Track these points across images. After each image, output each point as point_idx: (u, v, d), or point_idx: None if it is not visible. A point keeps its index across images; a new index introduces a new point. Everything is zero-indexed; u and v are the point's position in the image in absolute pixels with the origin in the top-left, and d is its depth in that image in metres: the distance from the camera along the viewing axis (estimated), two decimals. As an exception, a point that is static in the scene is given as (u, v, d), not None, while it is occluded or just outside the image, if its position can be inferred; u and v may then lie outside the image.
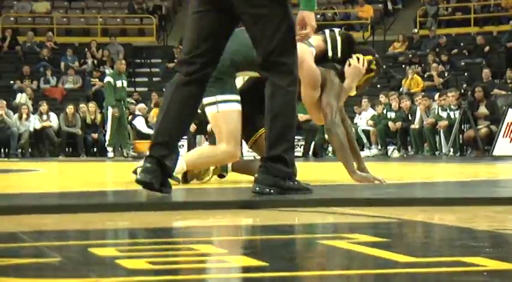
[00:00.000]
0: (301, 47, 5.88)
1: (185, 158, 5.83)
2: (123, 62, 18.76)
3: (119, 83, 17.49)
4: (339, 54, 6.14)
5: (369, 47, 7.18)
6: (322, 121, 6.12)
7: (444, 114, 17.34)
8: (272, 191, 4.44)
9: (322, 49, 6.07)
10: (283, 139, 4.51)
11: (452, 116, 16.96)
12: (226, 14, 4.55)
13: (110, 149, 18.15)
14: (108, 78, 17.79)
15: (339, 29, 6.42)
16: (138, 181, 4.40)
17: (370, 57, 6.28)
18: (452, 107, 17.12)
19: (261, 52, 4.54)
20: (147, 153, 4.49)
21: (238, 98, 5.73)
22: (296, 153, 17.20)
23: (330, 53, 6.11)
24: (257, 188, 4.46)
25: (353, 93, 6.40)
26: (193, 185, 5.99)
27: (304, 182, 4.70)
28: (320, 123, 6.31)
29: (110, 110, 17.54)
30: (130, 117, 19.98)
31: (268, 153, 4.50)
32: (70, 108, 20.01)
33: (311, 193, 4.55)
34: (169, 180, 4.59)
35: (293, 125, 4.57)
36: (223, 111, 5.68)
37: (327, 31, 6.20)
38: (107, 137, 18.13)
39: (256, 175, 4.53)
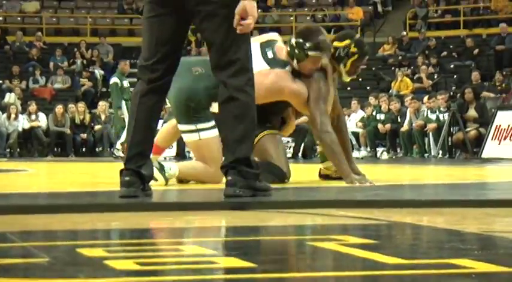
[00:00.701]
0: (276, 74, 5.97)
1: (180, 166, 6.03)
2: (127, 62, 18.67)
3: (125, 83, 17.41)
4: (306, 45, 6.09)
5: (348, 30, 7.18)
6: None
7: (433, 117, 17.37)
8: (242, 192, 4.41)
9: (290, 59, 6.16)
10: (248, 140, 4.50)
11: (441, 118, 16.99)
12: (179, 16, 4.50)
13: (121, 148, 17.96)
14: (115, 80, 17.66)
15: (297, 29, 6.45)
16: (122, 196, 4.40)
17: (347, 42, 6.31)
18: (441, 109, 17.15)
19: (215, 52, 4.49)
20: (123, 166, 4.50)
21: (214, 123, 5.87)
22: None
23: (297, 52, 6.09)
24: (237, 191, 4.43)
25: (347, 79, 6.51)
26: (184, 186, 5.99)
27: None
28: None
29: (124, 108, 17.33)
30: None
31: (235, 156, 4.46)
32: (59, 108, 19.98)
33: (272, 193, 4.56)
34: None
35: (255, 125, 4.56)
36: (205, 139, 5.92)
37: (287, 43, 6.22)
38: (123, 138, 17.79)
39: (228, 178, 4.49)
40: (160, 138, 6.27)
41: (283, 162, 6.25)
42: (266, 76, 5.97)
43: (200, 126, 5.90)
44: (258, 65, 5.88)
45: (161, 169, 5.83)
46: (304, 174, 8.47)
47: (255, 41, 6.09)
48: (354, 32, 6.81)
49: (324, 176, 6.61)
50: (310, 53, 6.03)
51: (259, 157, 5.98)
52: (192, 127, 5.92)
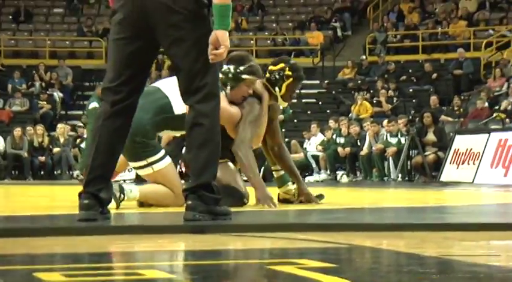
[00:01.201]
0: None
1: (141, 188, 6.01)
2: None
3: None
4: (230, 88, 6.16)
5: (283, 56, 7.24)
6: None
7: (393, 140, 17.47)
8: (202, 217, 4.37)
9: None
10: (211, 166, 4.49)
11: (401, 142, 17.10)
12: (147, 39, 4.47)
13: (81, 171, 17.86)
14: (94, 104, 17.44)
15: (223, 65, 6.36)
16: (81, 220, 4.34)
17: (281, 65, 6.37)
18: (403, 132, 17.26)
19: (184, 78, 4.48)
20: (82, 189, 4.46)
21: (164, 151, 5.95)
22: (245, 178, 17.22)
23: (230, 76, 6.14)
24: (190, 215, 4.40)
25: (284, 104, 6.52)
26: (143, 209, 5.96)
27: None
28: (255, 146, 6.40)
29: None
30: (78, 140, 19.87)
31: (197, 181, 4.44)
32: (17, 131, 19.83)
33: (231, 216, 4.53)
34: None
35: (219, 151, 4.54)
36: (159, 170, 5.93)
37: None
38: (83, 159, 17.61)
39: (188, 202, 4.46)
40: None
41: (241, 183, 6.26)
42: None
43: (150, 159, 5.90)
44: None
45: (121, 191, 5.79)
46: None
47: None
48: (289, 57, 6.82)
49: (283, 200, 6.57)
50: (244, 76, 6.09)
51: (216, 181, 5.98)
52: (143, 163, 5.92)
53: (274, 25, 27.92)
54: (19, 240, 3.83)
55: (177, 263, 3.27)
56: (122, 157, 6.19)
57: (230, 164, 6.27)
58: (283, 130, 15.65)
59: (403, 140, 17.09)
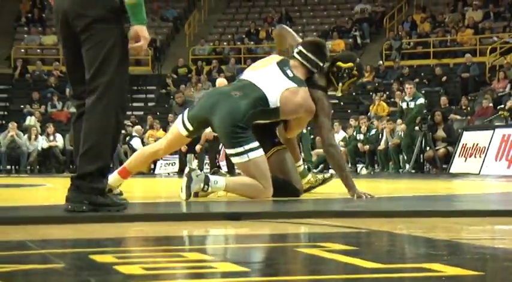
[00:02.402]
0: (305, 91, 5.84)
1: (228, 180, 5.69)
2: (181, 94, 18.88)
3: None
4: (320, 64, 6.03)
5: (351, 53, 6.90)
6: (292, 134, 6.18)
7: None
8: (85, 207, 4.19)
9: (305, 72, 5.98)
10: (97, 157, 4.27)
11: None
12: (75, 43, 4.31)
13: None
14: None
15: (303, 44, 6.16)
16: (67, 210, 4.19)
17: (350, 64, 6.14)
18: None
19: (87, 75, 4.31)
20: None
21: (258, 143, 5.69)
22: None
23: (314, 70, 6.01)
24: (69, 206, 4.24)
25: (339, 94, 6.31)
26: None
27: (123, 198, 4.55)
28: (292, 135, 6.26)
29: None
30: (128, 138, 19.95)
31: (79, 172, 4.29)
32: (75, 130, 19.96)
33: (125, 208, 4.33)
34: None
35: (108, 144, 4.30)
36: (253, 158, 5.63)
37: (296, 54, 6.03)
38: None
39: (67, 194, 4.31)
40: (129, 163, 6.01)
41: (296, 178, 6.08)
42: (296, 93, 5.82)
43: (248, 147, 5.61)
44: (284, 82, 5.82)
45: (206, 183, 5.53)
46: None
47: (271, 63, 5.99)
48: (356, 55, 6.58)
49: (305, 190, 6.33)
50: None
51: (273, 173, 5.82)
52: (240, 149, 5.62)
53: (300, 34, 27.84)
54: (76, 226, 3.86)
55: (216, 246, 3.27)
56: (136, 160, 6.02)
57: (286, 152, 6.07)
58: (309, 128, 15.63)
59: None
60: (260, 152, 5.69)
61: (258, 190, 5.63)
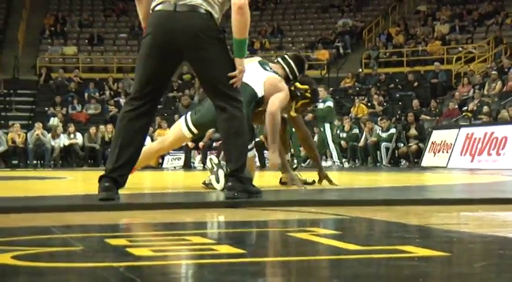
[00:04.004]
0: (277, 80, 5.82)
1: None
2: None
3: None
4: (297, 74, 6.04)
5: (310, 79, 6.74)
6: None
7: (384, 135, 17.41)
8: (241, 195, 4.32)
9: (282, 74, 5.97)
10: (244, 152, 4.43)
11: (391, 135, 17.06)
12: (172, 61, 4.35)
13: None
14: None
15: (288, 54, 6.21)
16: (102, 199, 4.18)
17: (306, 87, 6.09)
18: (391, 128, 17.24)
19: (212, 86, 4.38)
20: (105, 173, 4.32)
21: (253, 144, 5.65)
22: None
23: (290, 77, 6.01)
24: (231, 194, 4.34)
25: (293, 114, 6.18)
26: (187, 190, 5.96)
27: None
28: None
29: None
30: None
31: (235, 166, 4.34)
32: (92, 129, 19.99)
33: (263, 195, 4.45)
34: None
35: (248, 140, 4.53)
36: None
37: (280, 59, 6.05)
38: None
39: (229, 183, 4.37)
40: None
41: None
42: (275, 78, 5.77)
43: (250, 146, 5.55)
44: (263, 74, 5.77)
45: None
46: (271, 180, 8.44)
47: (252, 61, 5.92)
48: (315, 83, 6.45)
49: (284, 183, 6.27)
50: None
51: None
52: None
53: (290, 45, 27.86)
54: (95, 213, 3.85)
55: (217, 231, 3.27)
56: (143, 155, 5.92)
57: None
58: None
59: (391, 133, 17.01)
60: (252, 153, 5.64)
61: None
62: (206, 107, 5.78)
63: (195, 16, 4.30)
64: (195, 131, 5.77)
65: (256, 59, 6.12)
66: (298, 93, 6.06)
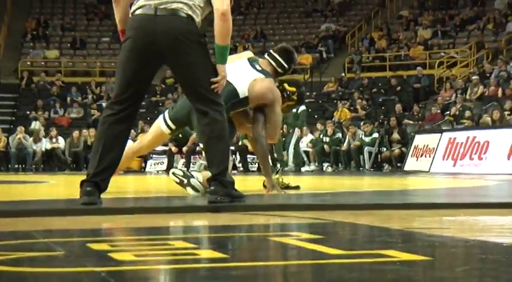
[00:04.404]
0: (271, 81, 5.78)
1: (203, 174, 5.60)
2: None
3: None
4: (286, 66, 5.95)
5: (298, 81, 6.71)
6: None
7: (367, 139, 17.46)
8: (223, 199, 4.29)
9: (272, 70, 5.90)
10: (227, 156, 4.42)
11: (374, 140, 17.10)
12: (153, 65, 4.35)
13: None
14: None
15: (275, 48, 6.13)
16: (84, 203, 4.17)
17: (293, 89, 6.08)
18: (374, 132, 17.30)
19: (193, 91, 4.36)
20: (85, 178, 4.32)
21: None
22: (252, 169, 17.17)
23: (279, 70, 5.92)
24: (213, 198, 4.32)
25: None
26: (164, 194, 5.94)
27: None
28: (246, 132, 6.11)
29: None
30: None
31: (217, 169, 4.33)
32: (76, 133, 19.90)
33: (246, 199, 4.42)
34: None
35: (229, 144, 4.51)
36: None
37: (266, 55, 6.00)
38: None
39: (211, 187, 4.36)
40: None
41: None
42: (263, 81, 5.72)
43: None
44: (252, 74, 5.72)
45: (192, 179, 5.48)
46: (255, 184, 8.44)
47: (242, 58, 5.89)
48: (303, 86, 6.40)
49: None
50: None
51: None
52: None
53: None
54: (76, 218, 3.83)
55: (199, 235, 3.26)
56: (127, 156, 5.75)
57: None
58: (281, 131, 15.62)
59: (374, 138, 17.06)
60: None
61: None
62: (181, 102, 5.81)
63: (175, 20, 4.29)
64: (172, 126, 5.77)
65: (247, 55, 6.05)
66: (285, 95, 6.04)
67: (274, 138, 5.93)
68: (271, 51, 6.04)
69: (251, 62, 5.88)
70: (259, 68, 5.83)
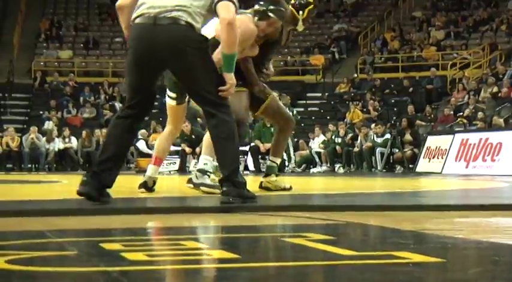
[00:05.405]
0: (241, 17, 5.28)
1: (203, 152, 5.59)
2: None
3: None
4: (257, 18, 5.57)
5: None
6: None
7: (379, 140, 17.42)
8: (236, 200, 4.31)
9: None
10: (236, 157, 4.44)
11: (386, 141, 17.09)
12: (156, 69, 4.39)
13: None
14: None
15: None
16: (78, 193, 4.20)
17: None
18: (386, 133, 17.27)
19: (198, 95, 4.40)
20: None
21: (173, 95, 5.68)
22: (264, 169, 17.15)
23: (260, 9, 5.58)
24: (226, 199, 4.35)
25: (301, 28, 6.07)
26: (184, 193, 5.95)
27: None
28: None
29: None
30: (134, 140, 19.93)
31: (228, 170, 4.34)
32: (85, 132, 19.98)
33: (258, 200, 4.42)
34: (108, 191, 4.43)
35: (238, 145, 4.49)
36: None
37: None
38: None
39: (223, 188, 4.37)
40: (158, 152, 5.95)
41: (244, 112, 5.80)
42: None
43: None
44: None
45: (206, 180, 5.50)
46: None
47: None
48: None
49: (264, 188, 6.12)
50: (270, 15, 5.57)
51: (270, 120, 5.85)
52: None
53: (286, 50, 27.88)
54: (89, 218, 3.84)
55: (211, 236, 3.26)
56: (160, 145, 5.94)
57: (243, 94, 5.75)
58: (293, 132, 15.63)
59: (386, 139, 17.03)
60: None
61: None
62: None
63: (175, 28, 4.31)
64: (173, 95, 5.77)
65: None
66: (302, 2, 5.96)
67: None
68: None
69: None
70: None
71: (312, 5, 6.04)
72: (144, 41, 4.33)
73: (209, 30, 5.39)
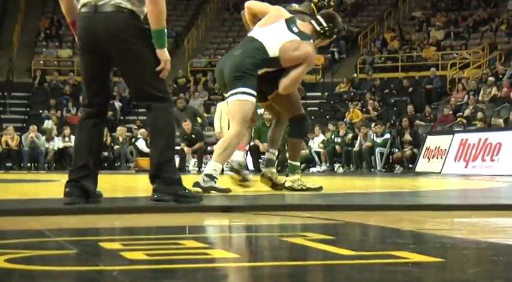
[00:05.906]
0: (309, 44, 5.73)
1: (214, 158, 5.67)
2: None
3: None
4: (326, 27, 5.88)
5: (331, 13, 6.17)
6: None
7: (378, 140, 17.42)
8: (166, 197, 4.19)
9: (311, 29, 5.87)
10: (166, 153, 4.27)
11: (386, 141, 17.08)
12: (103, 59, 4.30)
13: None
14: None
15: (321, 12, 6.05)
16: (65, 204, 4.17)
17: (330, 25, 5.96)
18: (386, 133, 17.27)
19: (137, 87, 4.30)
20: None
21: (254, 93, 5.62)
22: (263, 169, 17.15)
23: (321, 32, 5.87)
24: (155, 196, 4.24)
25: (325, 41, 6.11)
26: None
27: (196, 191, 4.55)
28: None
29: None
30: (133, 140, 19.91)
31: (156, 166, 4.23)
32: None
33: (201, 200, 4.31)
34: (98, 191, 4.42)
35: (174, 140, 4.38)
36: (241, 101, 5.60)
37: (312, 21, 5.92)
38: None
39: (154, 185, 4.26)
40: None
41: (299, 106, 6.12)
42: (298, 44, 5.69)
43: (241, 90, 5.57)
44: (286, 35, 5.70)
45: (212, 179, 5.53)
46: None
47: (279, 19, 5.82)
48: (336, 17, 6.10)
49: (289, 188, 6.14)
50: (334, 36, 5.95)
51: (273, 115, 6.15)
52: (234, 91, 5.60)
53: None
54: (88, 217, 3.84)
55: (210, 235, 3.26)
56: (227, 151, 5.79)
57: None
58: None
59: (385, 139, 17.02)
60: (250, 98, 5.61)
61: (232, 138, 5.63)
62: (216, 67, 5.96)
63: (115, 16, 4.23)
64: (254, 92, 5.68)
65: (284, 15, 5.93)
66: (325, 4, 6.12)
67: (286, 89, 5.82)
68: (317, 17, 5.93)
69: (289, 23, 5.84)
70: (296, 30, 5.79)
71: (332, 7, 6.18)
72: (86, 30, 4.29)
73: (274, 49, 5.62)
